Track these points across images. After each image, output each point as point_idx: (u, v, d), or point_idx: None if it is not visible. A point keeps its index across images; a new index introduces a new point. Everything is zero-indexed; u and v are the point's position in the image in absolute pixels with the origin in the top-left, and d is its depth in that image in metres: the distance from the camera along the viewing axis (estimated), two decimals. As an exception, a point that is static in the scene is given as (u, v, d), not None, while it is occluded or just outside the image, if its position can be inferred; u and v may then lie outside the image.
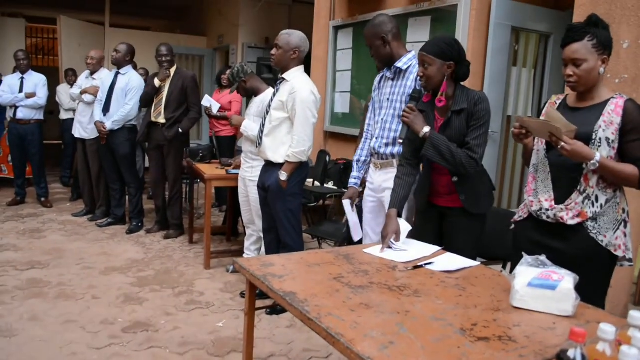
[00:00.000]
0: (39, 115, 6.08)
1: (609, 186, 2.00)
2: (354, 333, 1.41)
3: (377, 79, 3.06)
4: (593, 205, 1.98)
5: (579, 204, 1.99)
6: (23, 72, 6.02)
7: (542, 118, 2.08)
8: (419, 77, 2.45)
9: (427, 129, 2.34)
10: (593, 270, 1.99)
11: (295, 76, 3.31)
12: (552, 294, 1.59)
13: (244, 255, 4.03)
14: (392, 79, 2.89)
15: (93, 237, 5.05)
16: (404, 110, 2.43)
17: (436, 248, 2.26)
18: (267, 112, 3.36)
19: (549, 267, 1.66)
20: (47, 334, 3.04)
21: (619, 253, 2.01)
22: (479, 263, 2.12)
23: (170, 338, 3.06)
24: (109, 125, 5.09)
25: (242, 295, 3.67)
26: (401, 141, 2.52)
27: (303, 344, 3.05)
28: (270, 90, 3.76)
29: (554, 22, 4.43)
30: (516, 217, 2.25)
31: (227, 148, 5.76)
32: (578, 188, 1.99)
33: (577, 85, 2.01)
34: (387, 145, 2.84)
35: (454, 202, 2.43)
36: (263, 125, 3.37)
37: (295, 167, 3.28)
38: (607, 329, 1.10)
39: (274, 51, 3.32)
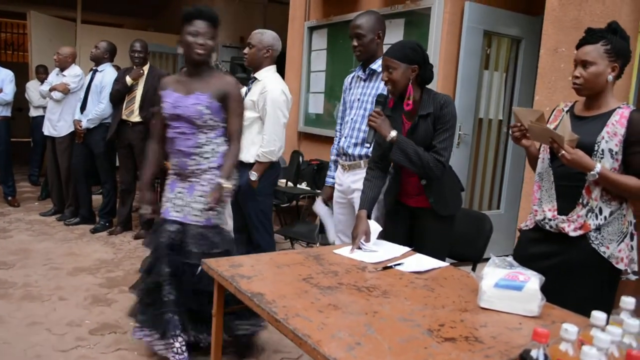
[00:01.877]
0: (6, 112, 5.91)
1: (614, 198, 1.96)
2: (321, 334, 1.41)
3: (348, 79, 3.08)
4: (597, 218, 1.95)
5: (581, 217, 1.96)
6: None
7: (548, 125, 2.05)
8: (384, 82, 2.46)
9: (394, 133, 2.34)
10: (595, 282, 1.97)
11: (266, 76, 3.29)
12: (519, 295, 1.60)
13: (215, 256, 3.99)
14: (365, 80, 2.91)
15: (61, 237, 4.95)
16: (371, 115, 2.41)
17: (406, 249, 2.27)
18: None
19: (516, 268, 1.68)
20: (10, 336, 2.96)
21: (621, 266, 1.97)
22: (448, 264, 2.13)
23: (138, 340, 3.00)
24: (84, 123, 5.02)
25: None
26: (369, 145, 2.53)
27: (275, 345, 3.02)
28: (243, 89, 3.74)
29: (525, 26, 4.50)
30: (522, 225, 2.23)
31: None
32: (581, 201, 1.96)
33: (581, 87, 1.97)
34: (355, 145, 2.85)
35: (423, 203, 2.44)
36: None
37: (266, 167, 3.27)
38: (570, 329, 1.11)
39: (246, 50, 3.31)
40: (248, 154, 3.29)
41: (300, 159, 5.18)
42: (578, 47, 2.00)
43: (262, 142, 3.24)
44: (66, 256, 4.41)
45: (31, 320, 3.18)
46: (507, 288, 1.62)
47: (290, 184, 5.02)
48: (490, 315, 1.61)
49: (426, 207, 2.44)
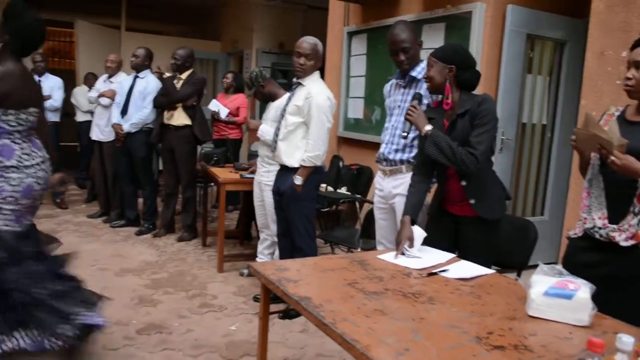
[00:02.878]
0: (55, 118, 6.18)
1: None
2: (369, 339, 1.42)
3: (387, 86, 3.10)
4: None
5: (633, 226, 1.90)
6: (40, 75, 6.11)
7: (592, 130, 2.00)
8: (425, 79, 2.52)
9: (429, 127, 2.38)
10: None
11: (311, 81, 3.33)
12: (569, 303, 1.58)
13: (257, 259, 4.04)
14: (404, 87, 2.93)
15: (108, 239, 5.10)
16: (409, 108, 2.48)
17: (451, 255, 2.26)
18: (283, 117, 3.38)
19: (566, 276, 1.66)
20: (62, 335, 3.07)
21: None
22: (494, 271, 2.12)
23: (183, 340, 3.08)
24: (126, 127, 5.14)
25: (256, 299, 3.68)
26: (405, 134, 2.57)
27: (316, 348, 3.05)
28: (286, 95, 3.79)
29: (569, 29, 4.41)
30: (570, 233, 2.17)
31: (234, 152, 5.80)
32: (632, 209, 1.90)
33: (633, 90, 1.91)
34: (396, 151, 2.88)
35: (467, 211, 2.43)
36: (278, 129, 3.39)
37: (310, 171, 3.30)
38: (626, 340, 1.09)
39: (302, 60, 3.28)
40: (292, 159, 3.33)
41: (340, 164, 5.20)
42: (633, 48, 1.93)
43: (307, 147, 3.27)
44: (113, 257, 4.54)
45: (81, 320, 3.28)
46: (557, 296, 1.60)
47: (330, 188, 5.04)
48: (540, 324, 1.59)
49: (470, 215, 2.42)
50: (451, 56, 2.39)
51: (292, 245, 3.47)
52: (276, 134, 3.39)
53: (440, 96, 2.50)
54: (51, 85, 6.12)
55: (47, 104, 6.00)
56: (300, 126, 3.31)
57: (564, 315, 1.59)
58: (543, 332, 1.53)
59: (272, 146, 3.42)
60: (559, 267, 1.71)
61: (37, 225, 5.45)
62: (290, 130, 3.31)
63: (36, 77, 6.02)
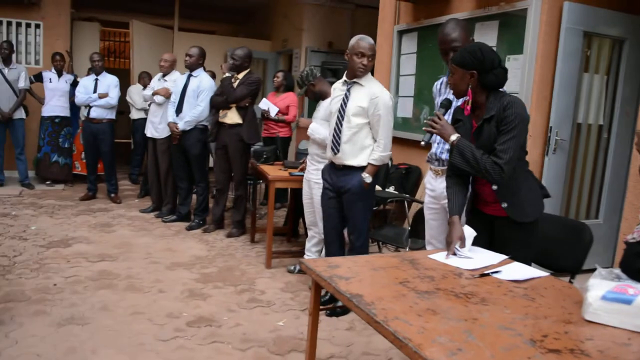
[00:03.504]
0: (111, 115, 6.39)
1: None
2: (421, 338, 1.42)
3: (437, 84, 3.07)
4: None
5: None
6: (97, 74, 6.35)
7: None
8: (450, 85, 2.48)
9: (454, 137, 2.34)
10: None
11: (369, 81, 3.34)
12: (628, 309, 1.54)
13: (305, 257, 4.09)
14: None
15: (159, 233, 5.24)
16: (431, 118, 2.43)
17: (503, 257, 2.23)
18: (342, 118, 3.34)
19: (625, 281, 1.61)
20: (116, 324, 3.18)
21: None
22: (548, 274, 2.07)
23: (232, 334, 3.14)
24: (181, 125, 5.27)
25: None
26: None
27: (362, 347, 3.06)
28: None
29: (628, 26, 4.26)
30: (628, 238, 2.09)
31: (283, 149, 5.86)
32: None
33: None
34: (449, 151, 2.82)
35: (500, 211, 2.38)
36: (339, 131, 3.33)
37: (377, 170, 3.36)
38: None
39: (366, 61, 3.27)
40: (359, 159, 3.33)
41: (389, 163, 5.18)
42: None
43: (378, 146, 3.30)
44: (164, 251, 4.67)
45: (134, 310, 3.39)
46: (616, 301, 1.56)
47: (378, 187, 5.03)
48: (596, 329, 1.55)
49: (502, 215, 2.38)
50: (470, 61, 2.31)
51: (340, 244, 3.49)
52: (337, 137, 3.33)
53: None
54: (108, 84, 6.35)
55: (104, 101, 6.25)
56: (364, 127, 3.31)
57: (622, 320, 1.55)
58: (600, 337, 1.50)
59: (335, 149, 3.35)
60: (617, 271, 1.67)
61: (92, 218, 5.71)
62: (354, 132, 3.30)
63: (93, 76, 6.29)
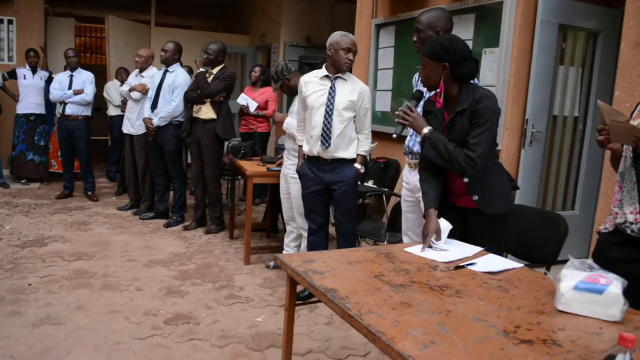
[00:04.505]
0: (87, 112, 6.31)
1: None
2: (394, 331, 1.41)
3: (416, 76, 3.07)
4: None
5: None
6: (72, 70, 6.26)
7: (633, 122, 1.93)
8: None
9: (426, 130, 2.33)
10: None
11: (350, 75, 3.45)
12: (599, 298, 1.55)
13: (284, 252, 4.07)
14: None
15: (137, 231, 5.18)
16: (403, 110, 2.41)
17: (478, 249, 2.23)
18: (331, 112, 3.33)
19: (597, 271, 1.62)
20: (92, 323, 3.14)
21: None
22: (523, 265, 2.08)
23: (210, 331, 3.11)
24: (155, 121, 5.21)
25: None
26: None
27: (341, 341, 3.06)
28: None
29: (603, 19, 4.30)
30: (601, 228, 2.11)
31: (261, 145, 5.83)
32: None
33: None
34: (420, 143, 2.82)
35: (470, 203, 2.39)
36: (329, 125, 3.32)
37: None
38: (659, 335, 1.07)
39: (352, 56, 3.38)
40: (349, 151, 3.41)
41: (367, 157, 5.17)
42: None
43: (366, 138, 3.48)
44: (142, 249, 4.62)
45: (111, 309, 3.35)
46: (588, 291, 1.56)
47: (356, 181, 5.03)
48: (569, 319, 1.56)
49: (474, 207, 2.38)
50: (442, 53, 2.29)
51: (326, 238, 3.53)
52: (327, 131, 3.32)
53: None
54: (83, 80, 6.25)
55: (79, 98, 6.15)
56: (351, 120, 3.40)
57: (594, 310, 1.56)
58: (572, 327, 1.50)
59: (325, 143, 3.34)
60: (590, 261, 1.67)
61: (69, 217, 5.63)
62: (345, 126, 3.36)
63: (68, 72, 6.18)
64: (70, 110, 6.17)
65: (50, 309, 3.30)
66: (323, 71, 3.40)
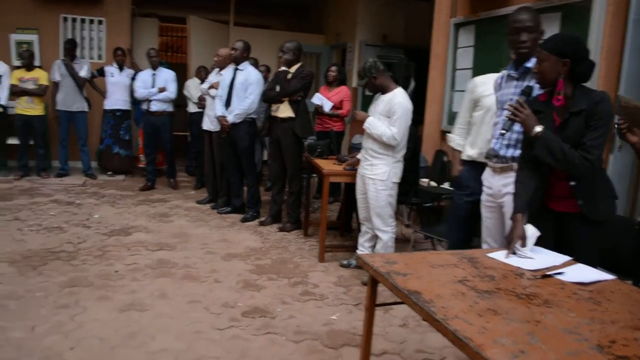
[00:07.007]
0: (170, 108, 6.68)
1: None
2: (482, 338, 1.40)
3: (498, 78, 2.97)
4: None
5: None
6: (154, 68, 6.58)
7: None
8: (534, 73, 2.38)
9: (539, 128, 2.26)
10: None
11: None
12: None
13: (358, 251, 4.09)
14: (517, 79, 2.80)
15: (215, 224, 5.35)
16: (514, 106, 2.33)
17: (566, 258, 2.16)
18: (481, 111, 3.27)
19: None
20: (174, 311, 3.28)
21: None
22: (615, 277, 2.00)
23: (286, 326, 3.18)
24: (230, 118, 5.35)
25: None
26: (504, 132, 2.45)
27: (416, 344, 3.04)
28: (400, 90, 3.76)
29: None
30: None
31: (337, 143, 5.85)
32: None
33: None
34: (508, 147, 2.74)
35: (571, 207, 2.31)
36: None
37: None
38: None
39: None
40: None
41: (444, 158, 5.10)
42: None
43: None
44: (220, 242, 4.77)
45: (191, 299, 3.49)
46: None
47: (433, 183, 4.98)
48: (668, 336, 1.49)
49: (574, 212, 2.30)
50: (565, 48, 2.23)
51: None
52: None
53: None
54: (165, 78, 6.59)
55: (162, 95, 6.47)
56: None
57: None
58: (673, 345, 1.43)
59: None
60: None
61: (151, 208, 5.88)
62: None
63: (150, 70, 6.50)
64: (155, 107, 6.55)
65: (135, 296, 3.48)
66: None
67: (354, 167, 4.17)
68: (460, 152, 3.49)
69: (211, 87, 5.74)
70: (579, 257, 2.18)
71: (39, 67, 7.13)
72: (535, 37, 2.69)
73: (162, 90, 6.50)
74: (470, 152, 3.29)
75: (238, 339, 2.99)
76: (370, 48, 8.41)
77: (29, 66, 6.80)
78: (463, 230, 3.36)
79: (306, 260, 4.38)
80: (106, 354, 2.75)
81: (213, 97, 5.71)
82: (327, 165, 4.46)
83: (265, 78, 6.55)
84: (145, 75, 6.64)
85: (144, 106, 6.65)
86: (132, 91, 7.04)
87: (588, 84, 2.32)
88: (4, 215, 5.19)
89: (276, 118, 5.15)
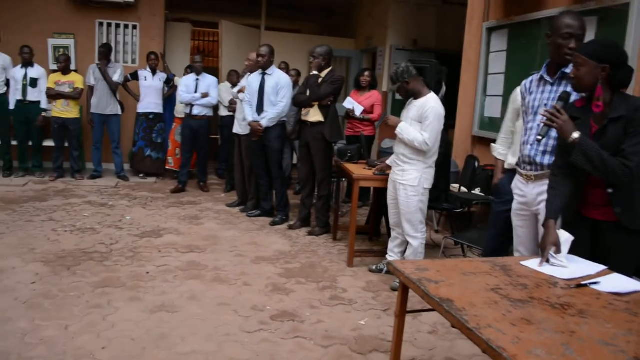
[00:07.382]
0: (210, 112, 6.90)
1: None
2: (516, 348, 1.38)
3: (526, 82, 2.89)
4: None
5: None
6: (198, 74, 6.74)
7: None
8: (570, 78, 2.34)
9: (576, 135, 2.21)
10: None
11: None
12: None
13: (387, 257, 4.07)
14: (552, 84, 2.74)
15: (244, 227, 5.39)
16: (551, 112, 2.29)
17: (601, 267, 2.11)
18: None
19: None
20: (204, 313, 3.32)
21: None
22: (653, 288, 1.95)
23: (314, 330, 3.18)
24: (264, 123, 5.38)
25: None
26: (540, 138, 2.41)
27: (445, 351, 3.01)
28: (432, 95, 3.73)
29: None
30: None
31: (367, 148, 5.84)
32: None
33: None
34: (544, 153, 2.68)
35: (608, 216, 2.26)
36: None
37: None
38: None
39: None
40: None
41: (476, 164, 5.04)
42: None
43: None
44: (249, 245, 4.80)
45: (220, 301, 3.52)
46: None
47: (464, 189, 4.92)
48: None
49: (611, 220, 2.25)
50: (605, 54, 2.20)
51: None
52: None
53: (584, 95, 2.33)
54: (208, 84, 6.77)
55: (205, 101, 6.67)
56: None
57: None
58: None
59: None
60: None
61: (182, 211, 5.95)
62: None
63: (194, 76, 6.65)
64: (197, 111, 6.74)
65: (166, 297, 3.52)
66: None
67: (383, 172, 4.16)
68: (503, 161, 3.45)
69: (240, 91, 5.80)
70: (615, 266, 2.13)
71: (75, 71, 7.33)
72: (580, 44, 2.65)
73: (205, 95, 6.65)
74: (512, 160, 3.23)
75: (267, 342, 3.01)
76: (400, 52, 8.39)
77: (65, 70, 6.98)
78: (500, 239, 3.29)
79: (335, 265, 4.38)
80: (137, 354, 2.79)
81: (242, 101, 5.76)
82: (357, 169, 4.45)
83: (296, 82, 6.59)
84: (188, 80, 6.78)
85: (187, 110, 6.77)
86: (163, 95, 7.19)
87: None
88: (39, 215, 5.32)
89: (306, 122, 5.17)
